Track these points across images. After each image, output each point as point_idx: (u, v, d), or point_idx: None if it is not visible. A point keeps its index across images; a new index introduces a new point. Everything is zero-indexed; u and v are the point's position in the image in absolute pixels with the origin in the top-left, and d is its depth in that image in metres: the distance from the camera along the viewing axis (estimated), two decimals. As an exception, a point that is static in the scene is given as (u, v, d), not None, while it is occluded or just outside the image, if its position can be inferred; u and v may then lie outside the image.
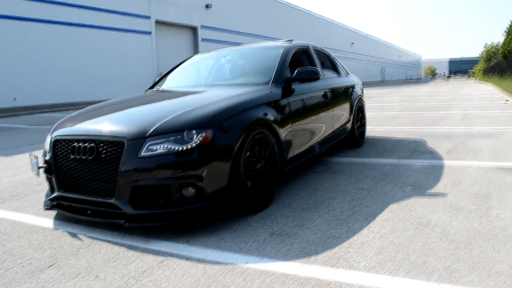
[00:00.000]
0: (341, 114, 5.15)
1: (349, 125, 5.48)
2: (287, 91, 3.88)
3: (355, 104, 5.67)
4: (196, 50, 26.56)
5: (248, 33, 31.14)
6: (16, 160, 6.08)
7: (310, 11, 43.16)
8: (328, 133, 4.72)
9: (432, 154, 5.10)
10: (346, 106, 5.35)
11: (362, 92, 6.30)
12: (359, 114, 5.91)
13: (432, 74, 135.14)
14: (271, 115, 3.44)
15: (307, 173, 4.43)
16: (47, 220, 3.29)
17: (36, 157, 3.32)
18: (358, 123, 5.87)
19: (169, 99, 3.75)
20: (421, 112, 10.96)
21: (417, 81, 71.11)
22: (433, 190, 3.56)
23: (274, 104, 3.58)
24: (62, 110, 16.42)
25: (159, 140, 2.75)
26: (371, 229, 2.73)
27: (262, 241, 2.63)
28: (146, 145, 2.74)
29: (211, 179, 2.79)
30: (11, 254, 2.67)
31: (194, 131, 2.79)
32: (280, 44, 4.58)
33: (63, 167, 3.05)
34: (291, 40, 4.92)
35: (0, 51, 15.79)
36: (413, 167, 4.46)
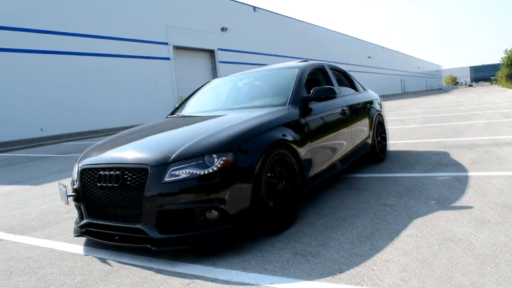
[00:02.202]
0: (360, 130, 5.16)
1: (369, 141, 5.48)
2: (305, 111, 3.94)
3: (374, 119, 5.68)
4: (214, 73, 27.02)
5: (265, 53, 31.54)
6: (45, 189, 6.27)
7: (325, 28, 43.46)
8: (348, 150, 4.73)
9: (456, 166, 5.04)
10: (365, 122, 5.36)
11: (381, 107, 6.30)
12: (379, 128, 5.90)
13: (454, 83, 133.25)
14: (290, 136, 3.49)
15: (329, 190, 4.44)
16: (77, 246, 3.39)
17: (65, 186, 3.45)
18: (379, 138, 5.86)
19: (189, 124, 3.85)
20: (443, 123, 10.84)
21: (438, 90, 70.19)
22: (457, 203, 3.53)
23: (292, 124, 3.64)
24: (87, 138, 16.86)
25: (182, 166, 2.84)
26: (394, 246, 2.72)
27: (286, 261, 2.66)
28: (169, 171, 2.82)
29: (234, 201, 2.85)
30: (44, 280, 2.77)
31: (214, 155, 2.87)
32: (296, 65, 4.66)
33: (91, 195, 3.16)
34: (307, 60, 5.00)
35: (26, 84, 16.39)
36: (437, 180, 4.42)
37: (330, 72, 4.99)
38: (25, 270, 3.00)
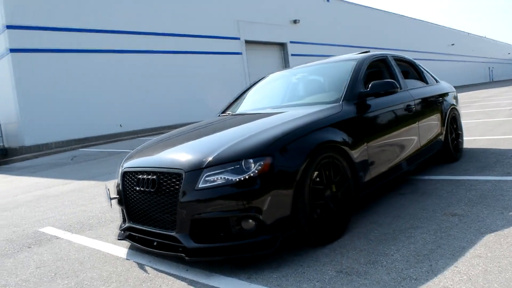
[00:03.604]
0: (430, 126, 4.64)
1: (441, 138, 4.93)
2: (361, 108, 3.57)
3: (447, 114, 5.09)
4: (286, 66, 26.73)
5: (338, 44, 30.56)
6: (112, 185, 6.45)
7: (402, 15, 41.17)
8: (414, 150, 4.26)
9: (545, 168, 4.35)
10: (435, 118, 4.82)
11: (456, 100, 5.66)
12: (453, 124, 5.30)
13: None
14: (340, 136, 3.16)
15: (392, 195, 4.03)
16: (122, 249, 3.36)
17: (108, 189, 3.43)
18: (453, 135, 5.26)
19: (234, 124, 3.64)
20: (534, 115, 9.65)
21: (533, 78, 63.84)
22: (542, 216, 2.98)
23: (344, 123, 3.29)
24: (162, 133, 17.45)
25: (217, 171, 2.64)
26: (457, 269, 2.31)
27: (327, 281, 2.36)
28: (203, 177, 2.64)
29: (272, 210, 2.60)
30: (81, 286, 2.75)
31: (251, 160, 2.64)
32: (353, 57, 4.27)
33: (131, 198, 3.09)
34: (368, 51, 4.59)
35: (105, 83, 17.30)
36: (520, 186, 3.82)
37: (394, 64, 4.53)
38: (68, 273, 3.01)
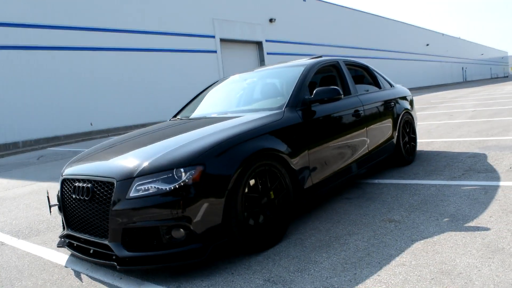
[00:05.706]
0: (380, 131, 4.72)
1: (393, 142, 5.01)
2: (305, 115, 3.60)
3: (399, 118, 5.17)
4: (262, 64, 26.73)
5: (314, 44, 30.77)
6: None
7: (378, 15, 41.63)
8: (363, 154, 4.33)
9: (489, 173, 4.47)
10: (387, 122, 4.90)
11: (411, 104, 5.77)
12: (406, 128, 5.39)
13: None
14: (279, 144, 3.18)
15: (338, 199, 4.08)
16: (63, 256, 3.32)
17: (48, 196, 3.38)
18: (406, 139, 5.35)
19: (176, 131, 3.59)
20: (493, 118, 9.89)
21: (504, 78, 65.42)
22: (473, 223, 3.05)
23: (284, 130, 3.32)
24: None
25: (148, 180, 2.64)
26: (379, 278, 2.35)
27: (254, 290, 2.39)
28: (134, 186, 2.63)
29: (202, 219, 2.61)
30: (12, 297, 2.70)
31: (182, 169, 2.64)
32: (302, 62, 4.30)
33: (69, 206, 3.05)
34: (320, 56, 4.63)
35: (76, 80, 16.98)
36: (461, 191, 3.92)
37: (345, 69, 4.58)
38: (4, 281, 2.96)
